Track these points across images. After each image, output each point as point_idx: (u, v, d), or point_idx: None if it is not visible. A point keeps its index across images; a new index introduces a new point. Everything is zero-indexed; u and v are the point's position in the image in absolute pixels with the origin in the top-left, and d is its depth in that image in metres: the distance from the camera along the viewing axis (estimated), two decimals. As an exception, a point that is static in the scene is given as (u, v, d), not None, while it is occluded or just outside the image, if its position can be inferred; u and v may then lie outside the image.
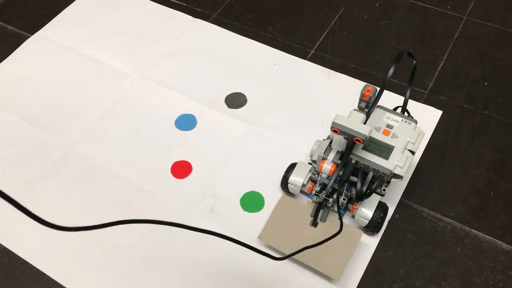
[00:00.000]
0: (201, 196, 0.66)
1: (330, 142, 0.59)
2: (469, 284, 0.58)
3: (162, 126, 0.73)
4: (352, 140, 0.53)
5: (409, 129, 0.57)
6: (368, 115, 0.55)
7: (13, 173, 0.69)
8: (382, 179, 0.55)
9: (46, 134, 0.73)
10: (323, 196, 0.58)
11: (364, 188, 0.54)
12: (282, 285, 0.58)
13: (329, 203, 0.59)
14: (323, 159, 0.58)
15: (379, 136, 0.56)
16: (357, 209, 0.59)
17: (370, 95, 0.56)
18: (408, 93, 0.59)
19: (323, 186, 0.59)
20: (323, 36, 0.85)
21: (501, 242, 0.61)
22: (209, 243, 0.61)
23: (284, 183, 0.63)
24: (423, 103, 0.74)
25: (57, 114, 0.76)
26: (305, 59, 0.81)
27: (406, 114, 0.61)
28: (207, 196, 0.66)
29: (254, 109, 0.75)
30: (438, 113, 0.73)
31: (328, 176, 0.57)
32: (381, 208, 0.59)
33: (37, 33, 0.87)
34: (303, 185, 0.61)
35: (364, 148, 0.56)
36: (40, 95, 0.78)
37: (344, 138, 0.55)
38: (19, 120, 0.75)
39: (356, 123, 0.51)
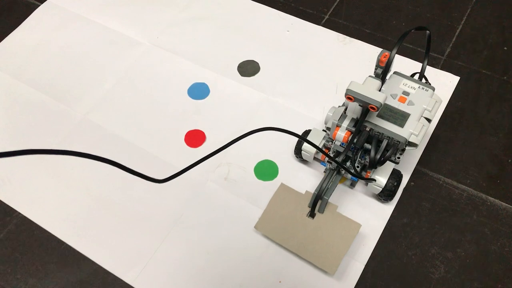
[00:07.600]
0: (215, 165, 0.66)
1: (345, 110, 0.58)
2: (485, 251, 0.58)
3: (175, 95, 0.73)
4: (366, 108, 0.52)
5: (426, 96, 0.56)
6: (383, 81, 0.53)
7: (27, 142, 0.69)
8: (397, 147, 0.54)
9: (60, 104, 0.73)
10: (341, 160, 0.57)
11: (378, 156, 0.54)
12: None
13: (344, 168, 0.58)
14: (337, 126, 0.57)
15: (395, 103, 0.55)
16: (370, 176, 0.58)
17: (387, 61, 0.54)
18: (425, 62, 0.57)
19: (337, 154, 0.58)
20: (338, 0, 0.82)
21: (517, 209, 0.60)
22: (223, 209, 0.62)
23: (298, 150, 0.62)
24: (440, 69, 0.73)
25: (70, 83, 0.75)
26: (319, 24, 0.79)
27: (424, 80, 0.60)
28: (222, 165, 0.66)
29: (267, 77, 0.74)
30: (455, 79, 0.72)
31: (342, 144, 0.57)
32: (395, 176, 0.59)
33: (47, 1, 0.86)
34: (317, 152, 0.60)
35: (379, 116, 0.55)
36: (52, 65, 0.78)
37: (359, 105, 0.54)
38: (32, 90, 0.75)
39: (371, 90, 0.50)
